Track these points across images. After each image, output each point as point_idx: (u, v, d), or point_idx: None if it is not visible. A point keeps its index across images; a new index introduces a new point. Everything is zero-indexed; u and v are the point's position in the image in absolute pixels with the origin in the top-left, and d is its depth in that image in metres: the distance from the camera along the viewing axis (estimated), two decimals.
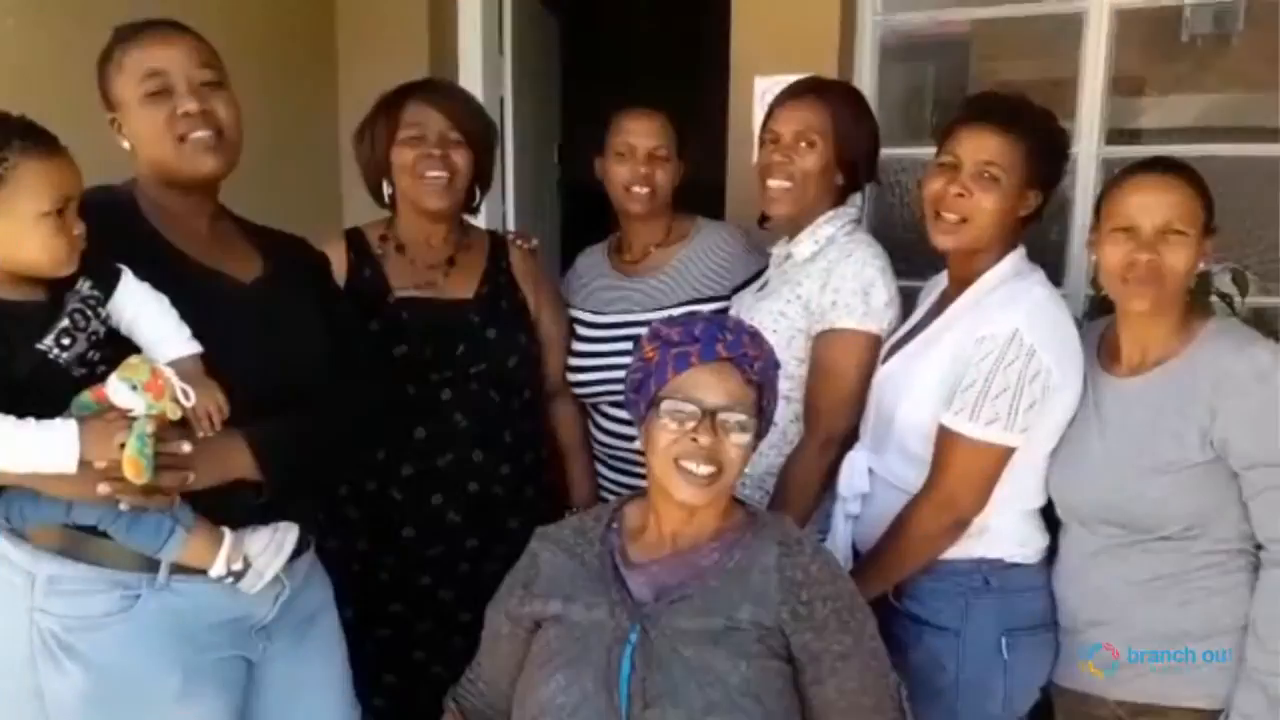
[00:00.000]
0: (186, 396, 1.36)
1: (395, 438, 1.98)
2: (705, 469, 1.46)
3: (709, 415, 1.46)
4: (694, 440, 1.46)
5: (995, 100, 1.87)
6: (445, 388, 2.02)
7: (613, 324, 2.27)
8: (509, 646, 1.59)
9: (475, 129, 2.06)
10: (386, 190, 2.10)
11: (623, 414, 2.17)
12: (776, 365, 1.58)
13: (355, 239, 2.13)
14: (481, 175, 2.12)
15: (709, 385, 1.48)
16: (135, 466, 1.31)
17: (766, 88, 2.83)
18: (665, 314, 2.18)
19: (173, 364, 1.41)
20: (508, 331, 2.09)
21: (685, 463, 1.46)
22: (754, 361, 1.51)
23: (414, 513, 2.02)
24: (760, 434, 1.56)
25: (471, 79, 3.48)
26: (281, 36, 3.17)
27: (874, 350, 1.96)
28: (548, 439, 2.26)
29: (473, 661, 1.70)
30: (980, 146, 1.77)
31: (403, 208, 2.11)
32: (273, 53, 3.03)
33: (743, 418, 1.48)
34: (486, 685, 1.66)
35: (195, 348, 1.45)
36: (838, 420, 1.97)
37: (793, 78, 2.16)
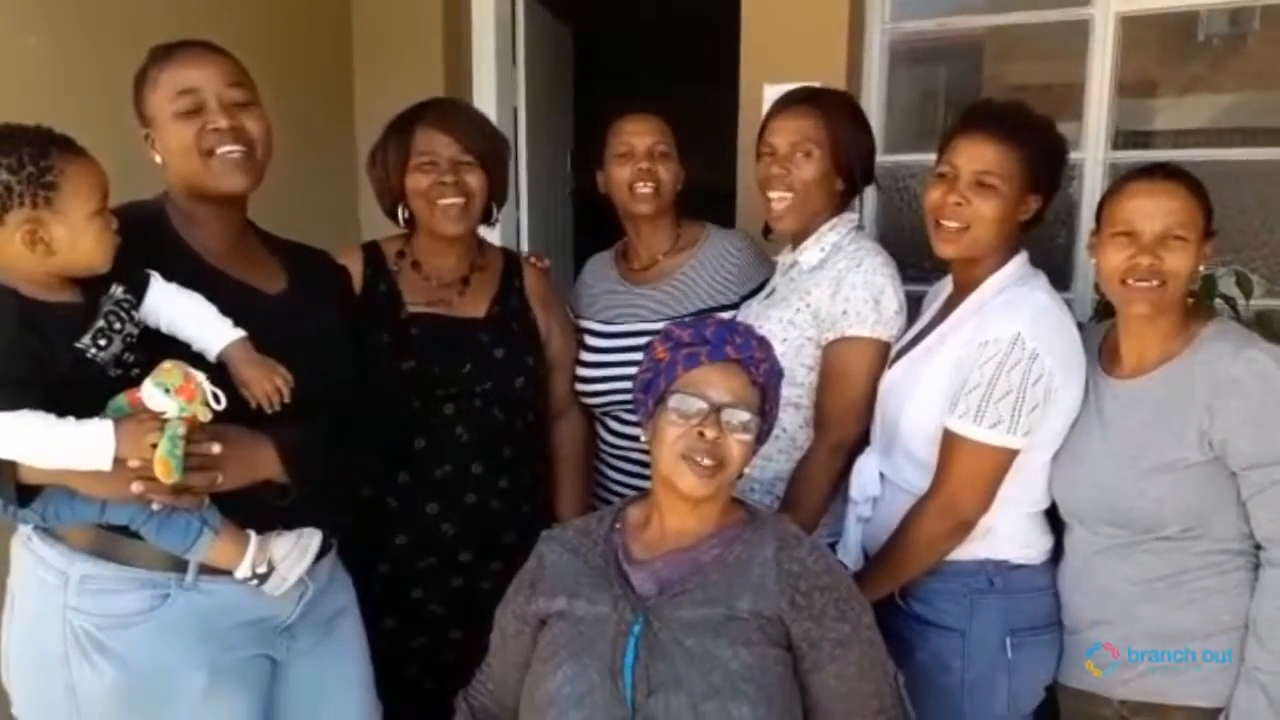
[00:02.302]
0: (217, 400, 1.42)
1: (395, 447, 1.99)
2: (708, 461, 1.51)
3: (715, 411, 1.52)
4: (700, 434, 1.51)
5: (991, 109, 1.88)
6: (449, 403, 2.03)
7: (622, 333, 2.29)
8: (517, 645, 1.63)
9: (486, 149, 2.07)
10: (402, 213, 2.11)
11: (631, 417, 2.20)
12: (780, 373, 1.63)
13: (372, 253, 2.14)
14: (497, 192, 2.13)
15: (716, 383, 1.53)
16: (165, 466, 1.37)
17: (776, 94, 2.86)
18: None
19: (224, 351, 1.49)
20: (516, 353, 2.10)
21: (690, 455, 1.51)
22: (760, 364, 1.56)
23: (408, 521, 2.02)
24: (761, 437, 1.60)
25: (485, 91, 3.54)
26: (297, 52, 3.22)
27: (884, 357, 1.98)
28: (548, 456, 2.27)
29: (483, 663, 1.74)
30: (976, 156, 1.79)
31: (420, 231, 2.13)
32: (288, 69, 3.06)
33: (746, 416, 1.53)
34: (496, 685, 1.70)
35: (240, 333, 1.51)
36: (848, 426, 1.99)
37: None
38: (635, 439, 2.23)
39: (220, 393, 1.42)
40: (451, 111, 2.13)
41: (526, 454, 2.15)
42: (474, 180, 2.04)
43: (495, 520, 2.06)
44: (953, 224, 1.81)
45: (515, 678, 1.63)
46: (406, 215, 2.11)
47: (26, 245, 1.36)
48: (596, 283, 2.43)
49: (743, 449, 1.54)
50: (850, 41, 2.91)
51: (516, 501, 2.10)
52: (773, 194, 2.07)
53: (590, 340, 2.33)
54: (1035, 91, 3.01)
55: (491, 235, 2.33)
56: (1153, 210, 1.66)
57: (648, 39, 5.57)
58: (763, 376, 1.56)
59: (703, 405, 1.52)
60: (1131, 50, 2.78)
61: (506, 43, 3.60)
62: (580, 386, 2.30)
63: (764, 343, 1.60)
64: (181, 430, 1.38)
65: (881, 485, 1.93)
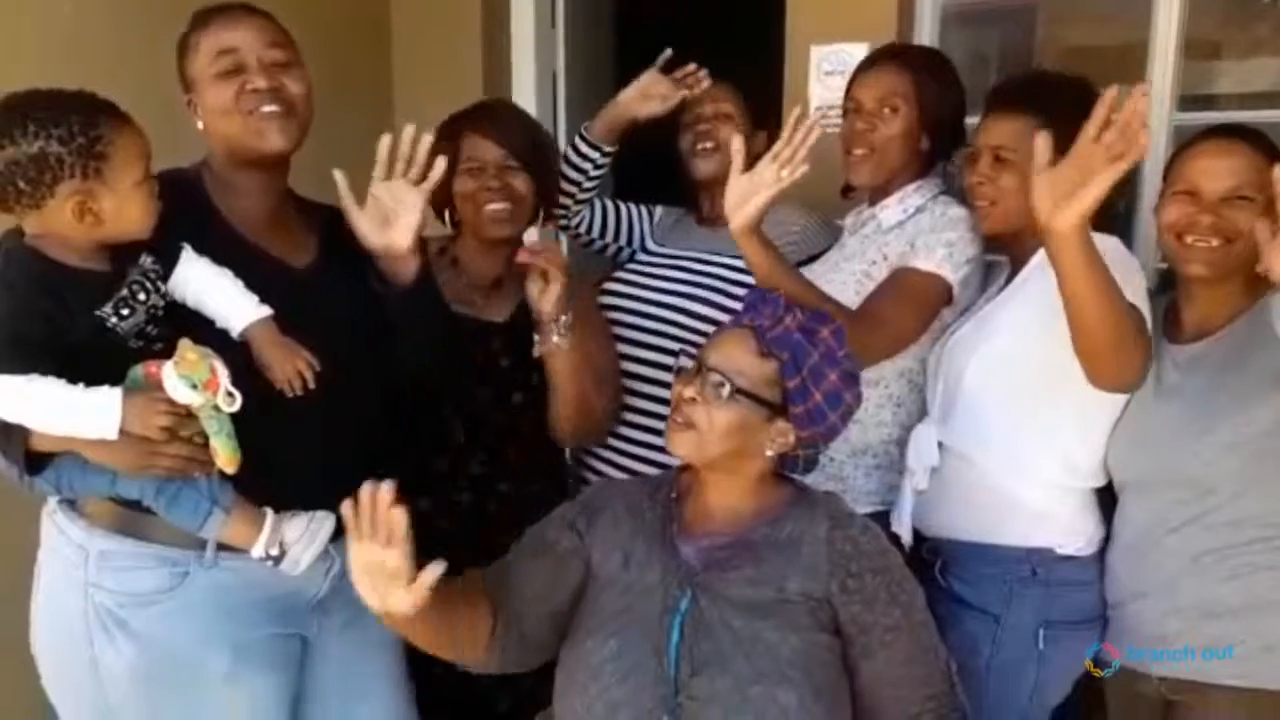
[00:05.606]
0: (231, 398, 1.39)
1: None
2: (678, 419, 1.48)
3: (704, 371, 1.48)
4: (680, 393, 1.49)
5: (1002, 86, 1.93)
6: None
7: (667, 254, 2.28)
8: (552, 564, 1.56)
9: (533, 154, 2.02)
10: (449, 217, 2.08)
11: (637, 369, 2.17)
12: (810, 348, 1.51)
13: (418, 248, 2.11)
14: (546, 196, 2.08)
15: (718, 347, 1.50)
16: (231, 457, 1.41)
17: (823, 56, 2.79)
18: (720, 259, 2.16)
19: (246, 330, 1.47)
20: (523, 367, 1.99)
21: (672, 413, 1.51)
22: (767, 331, 1.48)
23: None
24: (786, 414, 1.49)
25: (524, 55, 3.48)
26: (330, 19, 3.09)
27: (944, 296, 1.89)
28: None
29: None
30: (989, 134, 1.82)
31: (465, 232, 2.09)
32: (322, 36, 2.92)
33: (723, 383, 1.46)
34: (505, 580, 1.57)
35: (266, 311, 1.49)
36: (885, 321, 1.83)
37: (850, 46, 2.11)
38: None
39: (236, 392, 1.39)
40: (499, 117, 2.08)
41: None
42: (521, 184, 1.99)
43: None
44: (981, 202, 1.82)
45: (531, 593, 1.54)
46: (454, 219, 2.08)
47: (76, 217, 1.35)
48: (674, 219, 2.42)
49: (718, 418, 1.45)
50: (901, 1, 2.79)
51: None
52: (855, 150, 2.01)
53: (640, 256, 2.32)
54: (1094, 53, 2.89)
55: None
56: (1217, 170, 1.62)
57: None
58: (773, 345, 1.47)
59: (694, 364, 1.50)
60: (1196, 10, 2.65)
61: (545, 5, 3.54)
62: (604, 300, 2.25)
63: (778, 308, 1.50)
64: (217, 421, 1.40)
65: (940, 455, 1.87)
